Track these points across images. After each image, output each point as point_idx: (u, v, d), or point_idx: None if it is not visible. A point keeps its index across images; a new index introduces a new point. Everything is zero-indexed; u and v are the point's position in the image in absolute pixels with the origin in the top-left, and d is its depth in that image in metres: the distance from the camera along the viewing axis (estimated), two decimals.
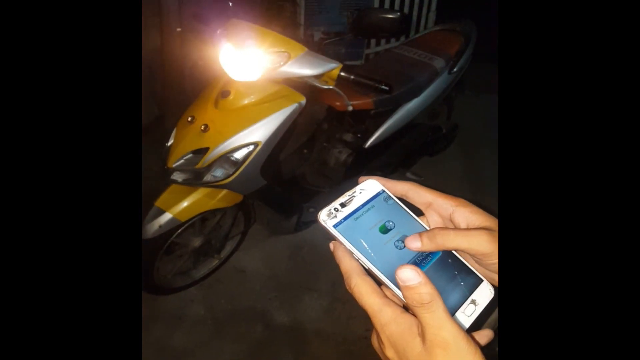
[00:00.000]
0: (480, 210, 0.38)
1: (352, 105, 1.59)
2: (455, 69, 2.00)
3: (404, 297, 0.33)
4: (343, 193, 0.39)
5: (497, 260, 0.35)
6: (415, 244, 0.36)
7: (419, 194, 0.40)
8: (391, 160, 2.04)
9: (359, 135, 1.86)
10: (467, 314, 0.35)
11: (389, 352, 0.33)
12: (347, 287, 0.35)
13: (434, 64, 1.92)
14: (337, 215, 0.37)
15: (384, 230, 0.37)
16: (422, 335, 0.31)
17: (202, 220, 1.60)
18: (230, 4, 1.44)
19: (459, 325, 0.33)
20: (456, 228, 0.37)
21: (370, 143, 1.83)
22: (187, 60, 2.17)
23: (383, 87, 1.27)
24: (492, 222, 0.37)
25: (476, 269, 0.38)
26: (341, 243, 0.36)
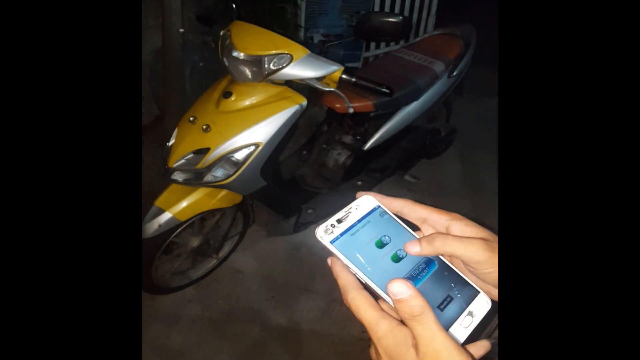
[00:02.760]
0: (475, 224, 0.39)
1: (352, 107, 1.60)
2: (454, 73, 2.02)
3: (396, 310, 0.33)
4: (342, 204, 0.40)
5: (491, 270, 0.36)
6: (414, 249, 0.37)
7: (414, 210, 0.41)
8: (390, 163, 2.05)
9: (358, 138, 1.87)
10: (465, 326, 0.35)
11: None
12: (345, 301, 0.36)
13: (434, 68, 1.93)
14: (334, 231, 0.38)
15: (380, 244, 0.38)
16: (416, 346, 0.32)
17: (201, 220, 1.60)
18: (234, 6, 1.44)
19: (456, 336, 0.34)
20: (455, 235, 0.38)
21: (370, 145, 1.84)
22: (187, 60, 2.17)
23: (384, 89, 1.28)
24: (487, 234, 0.38)
25: (473, 281, 0.38)
26: (338, 258, 0.37)
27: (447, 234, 0.37)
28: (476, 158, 2.65)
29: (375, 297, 0.36)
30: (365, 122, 1.86)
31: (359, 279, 0.36)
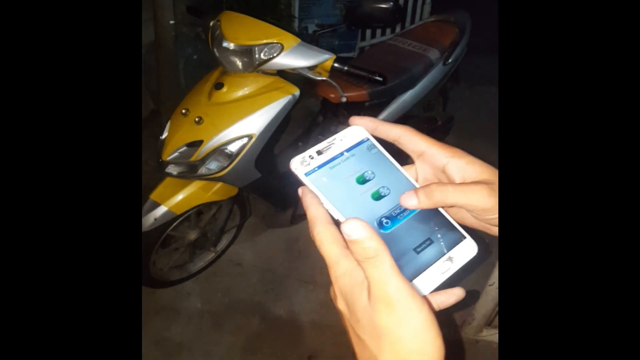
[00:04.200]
0: (478, 161, 0.36)
1: (346, 97, 1.59)
2: (450, 60, 2.00)
3: (350, 251, 0.31)
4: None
5: (497, 215, 0.33)
6: (412, 201, 0.34)
7: (412, 141, 0.37)
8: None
9: None
10: (442, 271, 0.33)
11: (340, 304, 0.32)
12: (311, 235, 0.33)
13: (429, 55, 1.91)
14: (311, 163, 0.35)
15: (362, 180, 0.35)
16: (369, 289, 0.30)
17: (197, 213, 1.60)
18: None
19: (429, 281, 0.32)
20: (454, 183, 0.35)
21: None
22: (181, 53, 2.16)
23: (377, 77, 1.27)
24: (490, 173, 0.35)
25: (472, 223, 0.36)
26: (310, 190, 0.34)
27: (445, 183, 0.34)
28: (474, 146, 2.62)
29: None
30: (361, 112, 1.84)
31: (332, 216, 0.33)
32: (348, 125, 0.38)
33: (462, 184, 0.34)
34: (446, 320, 1.64)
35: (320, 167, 0.35)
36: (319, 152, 0.35)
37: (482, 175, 0.35)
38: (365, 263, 0.30)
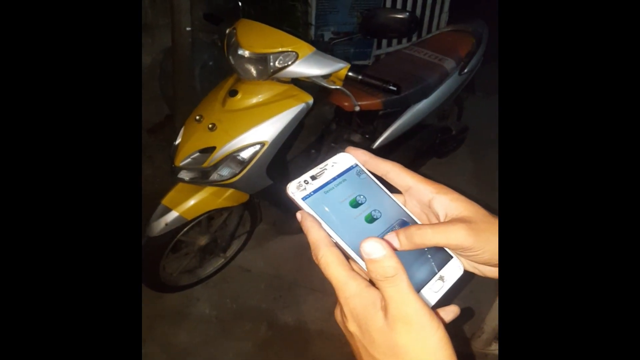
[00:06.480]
0: (462, 197, 0.37)
1: (360, 105, 1.58)
2: (465, 70, 1.98)
3: (367, 271, 0.32)
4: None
5: (478, 252, 0.34)
6: (394, 244, 0.35)
7: (400, 176, 0.39)
8: (400, 162, 2.01)
9: (367, 136, 1.85)
10: (435, 290, 0.35)
11: (352, 326, 0.33)
12: (314, 258, 0.34)
13: (444, 65, 1.90)
14: (307, 187, 0.36)
15: (355, 204, 0.37)
16: (385, 309, 0.31)
17: (208, 219, 1.61)
18: (240, 4, 1.44)
19: (425, 301, 0.33)
20: (433, 224, 0.36)
21: (379, 144, 1.82)
22: (197, 59, 2.18)
23: (391, 87, 1.26)
24: (473, 211, 0.36)
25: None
26: (309, 214, 0.35)
27: (424, 226, 0.35)
28: (488, 156, 2.60)
29: (346, 257, 0.34)
30: (374, 121, 1.84)
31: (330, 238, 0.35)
32: (342, 148, 0.40)
33: (441, 225, 0.35)
34: (456, 333, 1.62)
35: (315, 191, 0.36)
36: (313, 177, 0.37)
37: (464, 212, 0.36)
38: (383, 282, 0.30)
